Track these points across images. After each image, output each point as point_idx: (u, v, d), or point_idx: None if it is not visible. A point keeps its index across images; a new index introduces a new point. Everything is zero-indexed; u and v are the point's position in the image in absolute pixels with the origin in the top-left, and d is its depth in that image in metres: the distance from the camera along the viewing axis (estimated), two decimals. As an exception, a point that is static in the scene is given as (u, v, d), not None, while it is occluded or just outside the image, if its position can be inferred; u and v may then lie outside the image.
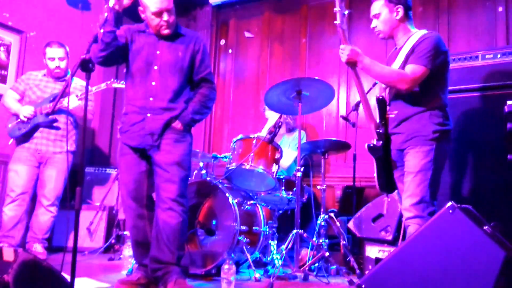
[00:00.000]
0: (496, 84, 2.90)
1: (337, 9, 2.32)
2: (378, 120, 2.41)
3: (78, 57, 1.88)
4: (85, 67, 1.85)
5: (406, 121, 2.34)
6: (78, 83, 3.69)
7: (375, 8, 2.48)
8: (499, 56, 2.94)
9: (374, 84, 3.77)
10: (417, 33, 2.40)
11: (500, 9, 3.76)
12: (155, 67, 2.43)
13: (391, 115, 2.40)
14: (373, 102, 2.44)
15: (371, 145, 2.39)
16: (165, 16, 2.37)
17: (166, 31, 2.42)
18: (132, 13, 2.53)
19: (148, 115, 2.41)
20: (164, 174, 2.37)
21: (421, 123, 2.30)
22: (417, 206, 2.22)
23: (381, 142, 2.37)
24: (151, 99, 2.41)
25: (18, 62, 4.27)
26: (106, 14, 2.32)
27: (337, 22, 2.33)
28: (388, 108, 2.42)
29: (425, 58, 2.26)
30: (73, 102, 3.43)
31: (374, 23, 2.50)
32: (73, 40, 4.52)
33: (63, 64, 3.61)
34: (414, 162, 2.28)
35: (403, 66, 2.35)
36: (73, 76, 1.99)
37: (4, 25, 4.17)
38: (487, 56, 2.97)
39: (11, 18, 4.23)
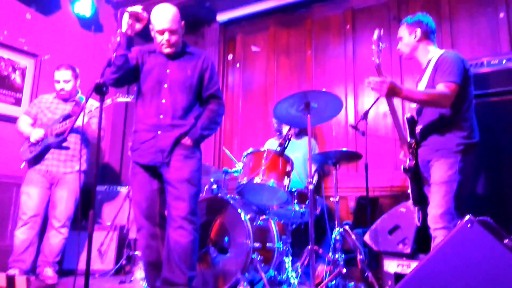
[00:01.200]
0: (503, 89, 2.89)
1: (374, 47, 2.42)
2: (408, 139, 2.45)
3: (92, 78, 1.93)
4: (99, 90, 1.92)
5: (431, 134, 2.40)
6: (88, 102, 3.71)
7: (399, 32, 2.66)
8: (504, 61, 2.93)
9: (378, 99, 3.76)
10: (437, 53, 2.49)
11: (502, 15, 3.75)
12: (165, 85, 2.48)
13: (417, 130, 2.47)
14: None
15: (406, 167, 2.45)
16: (166, 36, 2.46)
17: (166, 50, 2.50)
18: (143, 34, 2.59)
19: (159, 132, 2.44)
20: (174, 192, 2.38)
21: (446, 136, 2.34)
22: (443, 217, 2.25)
23: (413, 162, 2.42)
24: (161, 116, 2.45)
25: (32, 85, 4.36)
26: (118, 38, 2.40)
27: (374, 59, 2.40)
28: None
29: (453, 74, 2.32)
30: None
31: (399, 45, 2.67)
32: (87, 62, 4.62)
33: (67, 87, 3.63)
34: (439, 173, 2.31)
35: (430, 84, 2.42)
36: (87, 100, 2.03)
37: (19, 50, 4.28)
38: (492, 62, 2.96)
39: (27, 42, 4.33)
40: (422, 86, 2.49)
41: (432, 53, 2.54)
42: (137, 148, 2.49)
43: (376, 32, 2.41)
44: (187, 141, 2.45)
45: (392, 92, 2.29)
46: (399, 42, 2.67)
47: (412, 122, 2.47)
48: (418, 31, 2.56)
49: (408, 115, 2.48)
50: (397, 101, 2.66)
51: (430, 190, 2.40)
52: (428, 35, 2.57)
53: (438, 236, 2.25)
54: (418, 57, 2.61)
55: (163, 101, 2.46)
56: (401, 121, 2.53)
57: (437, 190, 2.29)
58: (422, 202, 2.47)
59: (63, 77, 3.62)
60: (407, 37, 2.61)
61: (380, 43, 2.40)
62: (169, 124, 2.44)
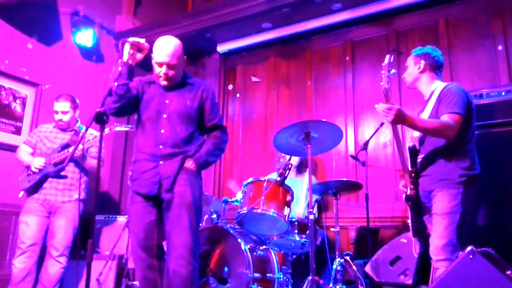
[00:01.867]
0: (503, 121, 2.93)
1: (383, 72, 2.43)
2: (410, 168, 2.45)
3: (92, 107, 1.94)
4: (100, 119, 1.92)
5: (433, 164, 2.41)
6: (88, 131, 3.74)
7: (407, 61, 2.73)
8: (503, 93, 2.97)
9: (382, 124, 3.80)
10: (440, 85, 2.54)
11: (500, 47, 3.82)
12: (164, 116, 2.49)
13: (418, 159, 2.47)
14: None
15: (407, 195, 2.44)
16: (164, 69, 2.47)
17: (162, 83, 2.52)
18: (144, 64, 2.63)
19: (161, 162, 2.43)
20: (175, 220, 2.35)
21: (448, 167, 2.36)
22: (445, 248, 2.23)
23: (414, 191, 2.41)
24: (160, 146, 2.45)
25: (33, 114, 4.39)
26: (120, 68, 2.41)
27: (383, 84, 2.40)
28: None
29: (457, 105, 2.35)
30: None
31: (405, 73, 2.74)
32: (87, 91, 4.68)
33: (66, 118, 3.66)
34: (441, 204, 2.31)
35: (433, 114, 2.44)
36: (87, 129, 2.04)
37: (20, 79, 4.34)
38: (491, 94, 3.01)
39: (28, 72, 4.39)
40: (424, 117, 2.51)
41: (435, 85, 2.59)
42: (137, 177, 2.46)
43: (387, 58, 2.44)
44: (191, 165, 2.43)
45: (399, 119, 2.30)
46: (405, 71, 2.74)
47: (414, 152, 2.47)
48: (422, 63, 2.61)
49: (410, 144, 2.49)
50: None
51: (431, 221, 2.39)
52: (433, 68, 2.63)
53: (440, 267, 2.23)
54: (420, 88, 2.66)
55: (162, 131, 2.46)
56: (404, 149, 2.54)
57: (440, 221, 2.28)
58: (421, 233, 2.46)
59: (61, 108, 3.65)
60: (412, 67, 2.67)
61: (390, 69, 2.43)
62: (168, 153, 2.43)
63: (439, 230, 2.27)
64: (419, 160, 2.47)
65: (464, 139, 2.39)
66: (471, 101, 2.45)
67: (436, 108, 2.44)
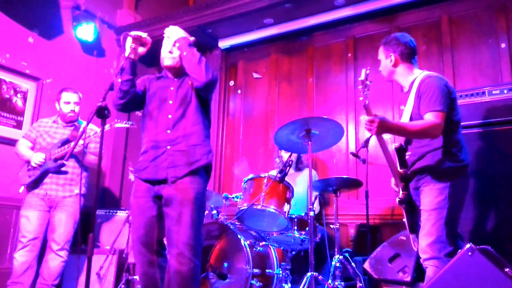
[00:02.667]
0: (505, 119, 2.90)
1: (360, 87, 2.32)
2: (399, 169, 2.37)
3: (93, 102, 1.94)
4: (101, 114, 1.91)
5: (420, 160, 2.34)
6: (89, 126, 3.74)
7: (379, 53, 2.60)
8: (505, 91, 2.96)
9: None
10: (419, 76, 2.42)
11: (503, 45, 3.81)
12: (170, 102, 2.50)
13: (406, 157, 2.40)
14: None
15: (399, 198, 2.37)
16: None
17: (167, 62, 2.54)
18: (145, 60, 2.62)
19: (168, 147, 2.42)
20: (176, 216, 2.33)
21: (434, 160, 2.29)
22: (432, 246, 2.17)
23: (405, 192, 2.35)
24: (168, 131, 2.45)
25: (34, 108, 4.40)
26: (122, 63, 2.40)
27: (362, 99, 2.30)
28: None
29: (438, 102, 2.26)
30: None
31: (380, 67, 2.61)
32: (88, 86, 4.67)
33: (77, 109, 3.70)
34: (428, 200, 2.26)
35: (415, 111, 2.36)
36: (89, 123, 2.03)
37: (21, 73, 4.34)
38: (493, 92, 2.99)
39: (29, 66, 4.39)
40: (407, 111, 2.43)
41: (414, 75, 2.46)
42: (146, 166, 2.44)
43: (363, 72, 2.31)
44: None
45: (383, 130, 2.23)
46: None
47: (401, 150, 2.40)
48: (393, 57, 2.48)
49: (396, 144, 2.42)
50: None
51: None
52: (406, 58, 2.48)
53: (428, 266, 2.18)
54: (398, 80, 2.54)
55: (169, 116, 2.47)
56: (392, 156, 2.44)
57: (427, 218, 2.22)
58: (417, 229, 2.40)
59: (73, 99, 3.67)
60: (383, 60, 2.54)
61: (367, 82, 2.30)
62: (176, 137, 2.43)
63: (426, 227, 2.21)
64: (407, 157, 2.40)
65: (449, 131, 2.32)
66: (451, 91, 2.36)
67: (418, 105, 2.35)
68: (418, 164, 2.34)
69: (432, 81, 2.33)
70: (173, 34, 2.50)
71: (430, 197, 2.25)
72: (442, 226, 2.18)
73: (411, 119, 2.39)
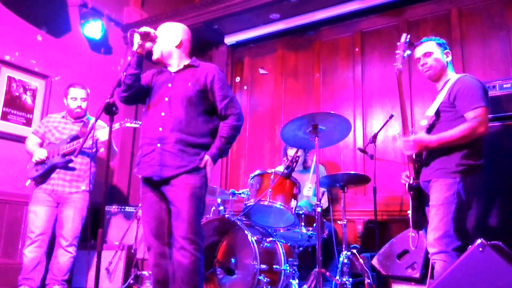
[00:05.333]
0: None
1: (398, 52, 2.32)
2: (414, 157, 2.40)
3: (101, 99, 1.95)
4: (109, 110, 1.92)
5: (433, 153, 2.35)
6: (97, 123, 3.76)
7: (427, 47, 2.53)
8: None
9: (391, 117, 3.77)
10: (453, 77, 2.47)
11: (514, 39, 3.76)
12: (166, 99, 2.50)
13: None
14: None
15: (410, 184, 2.39)
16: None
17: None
18: (151, 56, 2.63)
19: (158, 145, 2.42)
20: (176, 211, 2.35)
21: (448, 157, 2.30)
22: (440, 241, 2.18)
23: (417, 180, 2.37)
24: (160, 129, 2.44)
25: (43, 105, 4.44)
26: (129, 58, 2.43)
27: (397, 64, 2.32)
28: None
29: (479, 98, 2.29)
30: (103, 134, 3.50)
31: (423, 60, 2.53)
32: (96, 83, 4.70)
33: (84, 105, 3.71)
34: (437, 195, 2.26)
35: (444, 104, 2.38)
36: (97, 119, 2.05)
37: (30, 71, 4.38)
38: (504, 86, 2.96)
39: (37, 64, 4.43)
40: (434, 106, 2.43)
41: (449, 76, 2.52)
42: (139, 161, 2.49)
43: (403, 36, 2.32)
44: (205, 158, 2.41)
45: (420, 147, 2.29)
46: (422, 58, 2.54)
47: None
48: (450, 55, 2.55)
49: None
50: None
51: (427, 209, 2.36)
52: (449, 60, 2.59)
53: (436, 261, 2.18)
54: (440, 78, 2.54)
55: (162, 114, 2.47)
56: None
57: (435, 213, 2.24)
58: (421, 225, 2.41)
59: (80, 95, 3.69)
60: (440, 55, 2.52)
61: (405, 50, 2.30)
62: (167, 136, 2.41)
63: (434, 222, 2.22)
64: (424, 152, 2.42)
65: None
66: (487, 89, 2.39)
67: (448, 99, 2.37)
68: (431, 157, 2.36)
69: (469, 80, 2.38)
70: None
71: (439, 192, 2.26)
72: (450, 221, 2.19)
73: (437, 112, 2.41)
